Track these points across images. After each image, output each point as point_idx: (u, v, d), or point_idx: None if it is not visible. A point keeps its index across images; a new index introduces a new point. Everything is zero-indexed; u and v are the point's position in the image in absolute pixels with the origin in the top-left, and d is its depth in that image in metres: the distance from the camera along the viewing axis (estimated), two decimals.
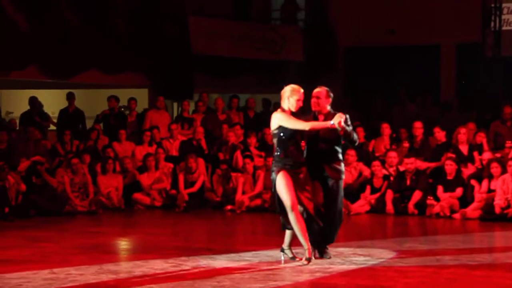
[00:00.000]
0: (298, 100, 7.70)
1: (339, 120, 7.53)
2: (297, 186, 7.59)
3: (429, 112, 16.16)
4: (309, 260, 7.57)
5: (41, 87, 17.57)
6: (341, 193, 8.01)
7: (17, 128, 15.69)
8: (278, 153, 7.69)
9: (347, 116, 7.81)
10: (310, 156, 7.86)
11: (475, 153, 13.40)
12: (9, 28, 15.00)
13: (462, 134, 13.58)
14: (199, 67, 17.43)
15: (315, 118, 7.88)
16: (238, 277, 7.10)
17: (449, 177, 12.80)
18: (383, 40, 18.20)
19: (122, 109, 17.12)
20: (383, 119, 15.14)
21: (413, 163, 13.06)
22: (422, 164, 13.38)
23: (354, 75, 19.03)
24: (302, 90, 7.76)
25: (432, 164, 13.47)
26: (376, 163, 13.44)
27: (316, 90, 7.98)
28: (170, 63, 17.17)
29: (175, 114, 17.79)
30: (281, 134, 7.65)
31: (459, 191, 12.65)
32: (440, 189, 12.74)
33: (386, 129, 14.49)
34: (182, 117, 16.40)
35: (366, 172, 13.58)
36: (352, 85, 18.98)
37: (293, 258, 7.75)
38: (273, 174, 7.68)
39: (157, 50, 16.97)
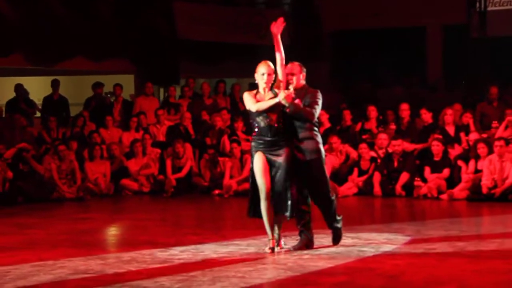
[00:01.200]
0: (263, 75, 7.39)
1: (283, 95, 7.21)
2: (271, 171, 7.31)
3: (416, 93, 16.17)
4: (272, 249, 7.37)
5: (27, 74, 17.47)
6: (321, 171, 7.48)
7: (3, 115, 15.61)
8: (253, 132, 7.48)
9: (319, 94, 7.50)
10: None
11: (462, 134, 13.45)
12: None
13: (449, 115, 13.61)
14: (185, 52, 17.37)
15: None
16: (227, 261, 7.10)
17: (436, 158, 12.84)
18: (368, 22, 18.17)
19: (109, 95, 17.06)
20: (369, 102, 15.15)
21: (400, 145, 13.09)
22: (409, 146, 13.42)
23: (340, 58, 19.00)
24: (268, 63, 7.43)
25: (419, 146, 13.51)
26: (363, 145, 13.46)
27: (289, 66, 7.55)
28: (155, 49, 17.09)
29: (161, 100, 17.74)
30: (251, 113, 7.44)
31: (446, 172, 12.70)
32: (427, 170, 12.79)
33: (372, 111, 14.50)
34: (169, 103, 16.36)
35: (353, 154, 13.60)
36: (338, 68, 18.96)
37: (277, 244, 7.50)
38: (252, 153, 7.47)
39: (142, 36, 16.89)
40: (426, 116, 13.83)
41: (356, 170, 13.32)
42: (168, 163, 14.02)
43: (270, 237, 7.40)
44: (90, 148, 14.17)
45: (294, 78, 7.50)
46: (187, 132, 15.15)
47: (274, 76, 7.45)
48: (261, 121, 7.36)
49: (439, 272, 6.55)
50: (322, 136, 13.74)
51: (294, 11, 19.25)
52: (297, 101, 7.36)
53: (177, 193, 13.62)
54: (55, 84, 16.04)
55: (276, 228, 7.45)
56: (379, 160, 13.32)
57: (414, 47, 18.16)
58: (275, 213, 7.37)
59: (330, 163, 13.36)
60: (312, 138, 7.49)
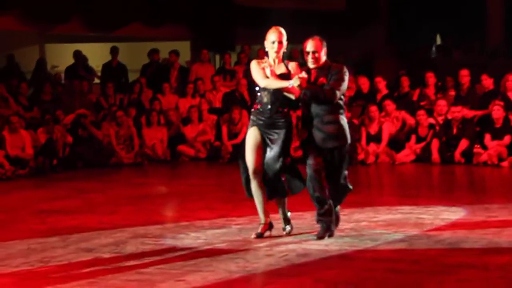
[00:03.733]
0: (273, 43, 6.61)
1: (298, 81, 6.39)
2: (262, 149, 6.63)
3: (476, 59, 15.82)
4: (260, 235, 6.63)
5: (85, 41, 17.66)
6: (343, 160, 6.68)
7: (63, 81, 15.87)
8: (255, 104, 6.76)
9: (345, 69, 6.64)
10: (304, 122, 6.70)
11: None
12: None
13: (510, 81, 13.28)
14: (241, 19, 17.31)
15: (308, 74, 6.60)
16: (281, 226, 7.08)
17: (497, 125, 12.57)
18: None
19: (166, 62, 17.12)
20: (428, 68, 14.88)
21: (460, 112, 12.86)
22: (469, 113, 13.16)
23: (398, 22, 18.65)
24: (280, 30, 6.65)
25: (479, 112, 13.23)
26: (421, 112, 13.27)
27: (310, 43, 6.66)
28: (212, 15, 17.07)
29: (217, 67, 17.76)
30: (255, 85, 6.73)
31: (507, 139, 12.43)
32: (487, 137, 12.54)
33: (430, 78, 14.25)
34: (224, 69, 16.38)
35: (410, 121, 13.43)
36: (395, 33, 18.62)
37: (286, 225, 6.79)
38: (248, 127, 6.79)
39: (199, 2, 16.88)
40: (487, 82, 13.51)
41: (413, 137, 13.15)
42: (224, 129, 14.07)
43: (262, 221, 6.72)
44: (148, 114, 14.31)
45: (318, 57, 6.64)
46: (243, 99, 15.15)
47: (285, 44, 6.72)
48: (264, 97, 6.65)
49: (499, 240, 6.45)
50: (379, 103, 13.73)
51: None
52: (321, 79, 6.57)
53: (233, 159, 13.67)
54: (114, 51, 16.17)
55: (280, 210, 6.83)
56: (437, 127, 13.13)
57: (474, 11, 17.71)
58: (271, 198, 6.75)
59: (386, 129, 13.24)
60: (337, 122, 6.62)
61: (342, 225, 7.17)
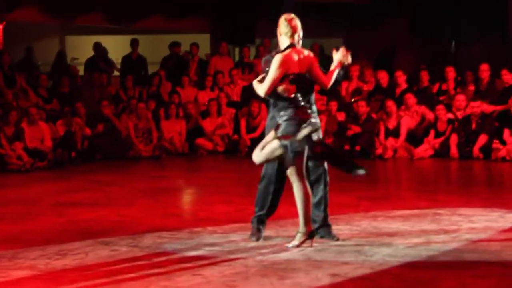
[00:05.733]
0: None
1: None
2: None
3: (497, 53, 15.65)
4: (311, 235, 6.08)
5: (106, 33, 17.74)
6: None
7: (79, 74, 15.92)
8: (305, 113, 6.21)
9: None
10: None
11: None
12: None
13: None
14: (261, 12, 17.28)
15: None
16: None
17: None
18: None
19: (189, 55, 17.12)
20: (448, 62, 14.77)
21: (479, 107, 12.78)
22: (488, 108, 13.08)
23: (420, 16, 18.42)
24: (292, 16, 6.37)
25: (499, 107, 13.15)
26: (440, 107, 13.21)
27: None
28: (232, 8, 17.07)
29: (236, 60, 17.78)
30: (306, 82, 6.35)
31: None
32: (506, 132, 12.46)
33: (450, 72, 14.17)
34: (243, 63, 16.37)
35: (429, 116, 13.37)
36: (417, 26, 18.41)
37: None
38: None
39: None
40: (507, 77, 13.41)
41: (432, 132, 13.10)
42: (243, 123, 14.08)
43: (303, 223, 6.13)
44: (166, 107, 14.35)
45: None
46: None
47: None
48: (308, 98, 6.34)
49: None
50: (398, 97, 13.67)
51: None
52: None
53: (251, 153, 13.63)
54: (134, 44, 16.23)
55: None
56: (456, 122, 13.06)
57: (495, 2, 17.44)
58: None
59: (405, 124, 13.19)
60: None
61: (359, 219, 7.19)
